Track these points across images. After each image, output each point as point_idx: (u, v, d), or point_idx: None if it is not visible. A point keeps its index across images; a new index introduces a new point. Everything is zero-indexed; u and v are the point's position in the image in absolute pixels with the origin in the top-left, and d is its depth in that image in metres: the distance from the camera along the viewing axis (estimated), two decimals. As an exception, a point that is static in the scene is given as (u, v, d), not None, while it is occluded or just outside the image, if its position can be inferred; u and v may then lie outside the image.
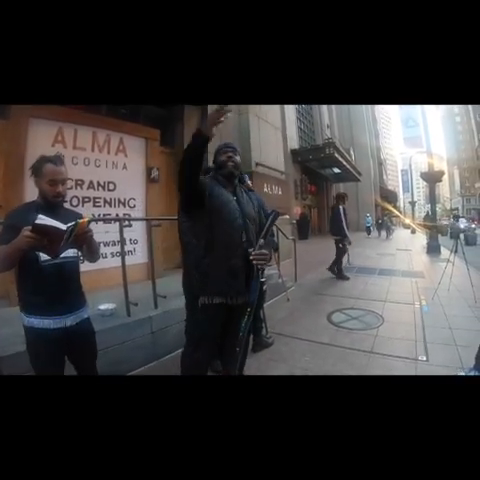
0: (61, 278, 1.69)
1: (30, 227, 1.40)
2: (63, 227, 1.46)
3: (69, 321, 1.73)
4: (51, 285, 1.65)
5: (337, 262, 7.13)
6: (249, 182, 3.34)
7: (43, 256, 1.61)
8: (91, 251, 1.81)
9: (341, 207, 7.10)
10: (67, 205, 1.85)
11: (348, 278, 6.95)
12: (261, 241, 1.80)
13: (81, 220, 1.56)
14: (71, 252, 1.74)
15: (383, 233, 21.83)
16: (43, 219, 1.42)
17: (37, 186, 1.71)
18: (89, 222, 1.62)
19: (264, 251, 1.79)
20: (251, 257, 1.76)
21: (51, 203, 1.70)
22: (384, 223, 22.74)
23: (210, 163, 2.20)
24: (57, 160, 1.72)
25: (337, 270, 7.09)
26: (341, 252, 7.11)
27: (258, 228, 1.94)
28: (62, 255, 1.62)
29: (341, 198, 7.41)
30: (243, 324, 1.78)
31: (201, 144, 1.64)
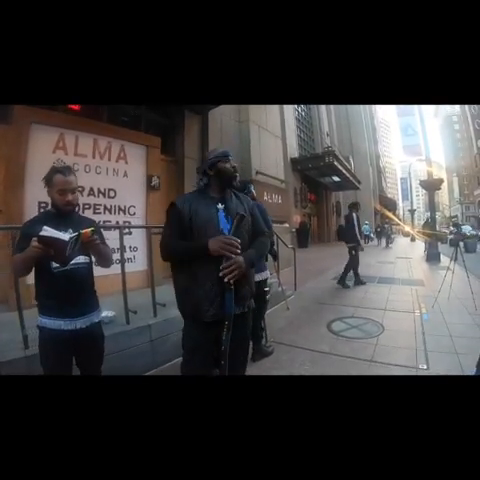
0: (72, 283, 1.77)
1: (36, 238, 1.52)
2: (66, 238, 1.55)
3: (79, 323, 1.81)
4: (62, 290, 1.74)
5: (349, 270, 7.20)
6: (254, 192, 3.37)
7: (55, 263, 1.71)
8: (101, 258, 1.92)
9: (355, 215, 7.21)
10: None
11: (349, 287, 7.00)
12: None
13: (84, 230, 1.65)
14: (82, 258, 1.84)
15: (383, 241, 21.51)
16: (47, 231, 1.53)
17: (49, 196, 1.82)
18: (93, 231, 1.70)
19: (231, 261, 1.68)
20: (220, 274, 1.68)
21: (63, 212, 1.81)
22: (384, 231, 22.04)
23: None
24: (66, 170, 1.81)
25: (340, 278, 7.16)
26: (354, 259, 7.18)
27: (251, 230, 1.90)
28: (73, 262, 1.74)
29: (355, 206, 7.54)
30: (223, 337, 1.73)
31: (200, 255, 1.70)
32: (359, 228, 7.15)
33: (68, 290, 1.75)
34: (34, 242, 1.52)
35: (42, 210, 3.66)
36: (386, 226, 23.14)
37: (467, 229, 18.96)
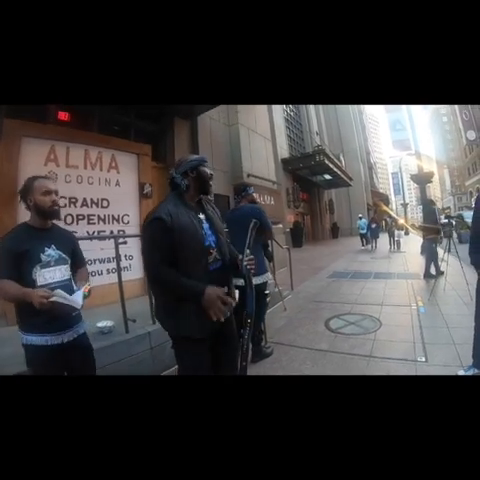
0: None
1: (47, 294, 1.57)
2: (78, 306, 1.69)
3: (66, 337, 1.80)
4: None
5: (431, 262, 7.08)
6: (253, 194, 3.42)
7: (40, 281, 1.72)
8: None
9: (435, 208, 7.35)
10: (62, 223, 1.91)
11: (435, 276, 6.83)
12: (248, 252, 1.76)
13: (86, 290, 1.80)
14: (64, 275, 1.85)
15: (375, 243, 15.10)
16: (60, 295, 1.60)
17: (31, 204, 1.77)
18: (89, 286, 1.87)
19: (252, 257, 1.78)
20: (245, 263, 1.71)
21: (48, 214, 1.78)
22: (390, 229, 15.10)
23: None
24: (44, 177, 1.87)
25: (425, 271, 7.06)
26: (434, 253, 7.11)
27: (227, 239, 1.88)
28: (56, 280, 1.78)
29: (433, 202, 8.00)
30: (246, 336, 1.67)
31: (190, 298, 1.58)
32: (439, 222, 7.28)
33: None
34: (42, 299, 1.54)
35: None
36: (389, 220, 16.47)
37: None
